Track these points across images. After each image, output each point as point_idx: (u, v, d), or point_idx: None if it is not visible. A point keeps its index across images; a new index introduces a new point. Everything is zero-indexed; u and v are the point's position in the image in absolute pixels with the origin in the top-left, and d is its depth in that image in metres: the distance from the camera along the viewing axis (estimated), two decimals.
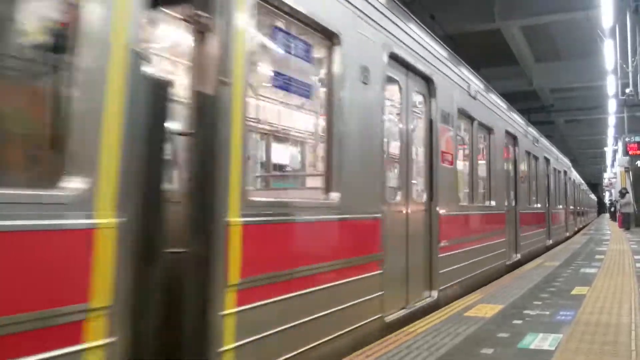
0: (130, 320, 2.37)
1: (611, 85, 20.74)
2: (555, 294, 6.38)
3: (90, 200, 2.20)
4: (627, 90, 18.08)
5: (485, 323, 4.81)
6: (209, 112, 2.89)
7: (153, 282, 2.61)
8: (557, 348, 3.93)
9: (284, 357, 3.25)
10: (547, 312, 5.25)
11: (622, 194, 26.66)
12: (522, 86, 24.53)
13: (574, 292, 6.49)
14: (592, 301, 5.80)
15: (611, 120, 29.80)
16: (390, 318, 4.69)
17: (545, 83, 25.04)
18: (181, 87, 3.13)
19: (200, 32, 3.00)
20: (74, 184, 2.15)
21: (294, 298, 3.36)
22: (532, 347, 4.01)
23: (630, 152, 25.98)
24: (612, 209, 39.35)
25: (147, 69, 2.56)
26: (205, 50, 2.98)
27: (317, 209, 3.83)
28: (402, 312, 4.98)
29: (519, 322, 4.85)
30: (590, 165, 57.33)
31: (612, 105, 25.20)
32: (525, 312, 5.30)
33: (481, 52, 19.82)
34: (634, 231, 23.22)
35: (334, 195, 3.93)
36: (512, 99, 12.60)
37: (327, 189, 3.97)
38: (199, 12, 2.94)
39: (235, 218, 2.93)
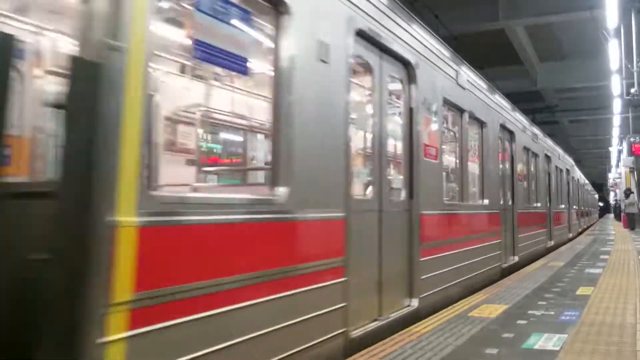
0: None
1: (616, 85, 20.65)
2: (559, 294, 6.37)
3: None
4: (632, 90, 17.99)
5: (490, 323, 4.81)
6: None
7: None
8: (561, 348, 3.93)
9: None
10: (552, 313, 5.24)
11: (627, 194, 26.59)
12: (526, 86, 24.45)
13: (578, 292, 6.47)
14: (597, 301, 5.79)
15: (616, 120, 29.66)
16: None
17: (550, 83, 24.94)
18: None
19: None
20: None
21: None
22: (536, 347, 4.01)
23: (635, 153, 25.84)
24: (617, 209, 39.22)
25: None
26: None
27: None
28: None
29: (524, 322, 4.85)
30: (595, 165, 57.13)
31: (616, 105, 25.09)
32: (530, 312, 5.29)
33: (485, 52, 19.78)
34: (638, 231, 23.14)
35: None
36: (516, 99, 12.48)
37: None
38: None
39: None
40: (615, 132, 33.50)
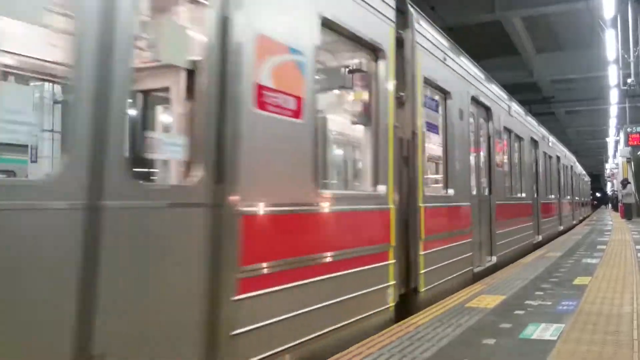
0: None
1: (613, 75, 20.67)
2: (557, 284, 6.38)
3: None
4: (629, 81, 18.02)
5: (487, 314, 4.81)
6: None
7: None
8: (559, 338, 3.93)
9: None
10: (549, 303, 5.25)
11: (624, 184, 26.68)
12: (522, 78, 24.46)
13: (576, 282, 6.48)
14: (594, 291, 5.80)
15: (613, 110, 29.71)
16: None
17: (546, 74, 24.96)
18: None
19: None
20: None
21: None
22: (533, 337, 4.01)
23: (632, 143, 25.90)
24: (614, 199, 39.24)
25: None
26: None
27: None
28: None
29: (521, 312, 4.85)
30: (592, 156, 57.25)
31: (613, 96, 25.13)
32: (527, 302, 5.30)
33: (481, 44, 19.75)
34: (635, 221, 23.22)
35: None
36: (513, 90, 12.44)
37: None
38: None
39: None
40: (612, 122, 33.56)
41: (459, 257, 6.50)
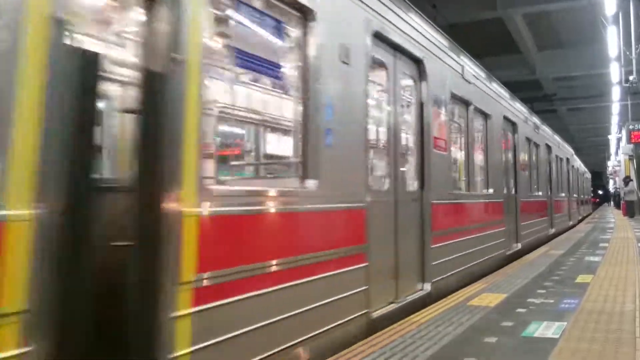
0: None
1: (614, 72, 20.63)
2: (559, 282, 6.37)
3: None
4: (631, 78, 17.97)
5: (489, 312, 4.81)
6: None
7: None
8: (561, 336, 3.93)
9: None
10: (551, 301, 5.24)
11: (626, 182, 26.63)
12: (524, 75, 24.41)
13: (578, 280, 6.47)
14: (596, 289, 5.79)
15: (615, 108, 29.65)
16: None
17: (548, 71, 24.89)
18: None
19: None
20: None
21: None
22: (536, 335, 4.01)
23: (634, 140, 25.84)
24: (616, 197, 39.13)
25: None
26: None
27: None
28: None
29: (523, 310, 4.85)
30: (594, 153, 57.17)
31: (615, 93, 25.07)
32: (529, 300, 5.29)
33: (483, 42, 19.71)
34: (638, 219, 23.18)
35: None
36: (515, 88, 12.36)
37: None
38: None
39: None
40: (614, 120, 33.49)
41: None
